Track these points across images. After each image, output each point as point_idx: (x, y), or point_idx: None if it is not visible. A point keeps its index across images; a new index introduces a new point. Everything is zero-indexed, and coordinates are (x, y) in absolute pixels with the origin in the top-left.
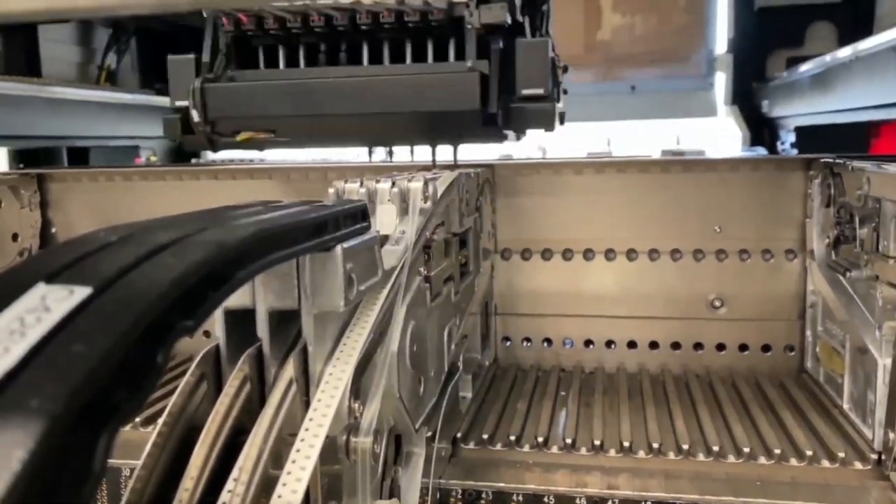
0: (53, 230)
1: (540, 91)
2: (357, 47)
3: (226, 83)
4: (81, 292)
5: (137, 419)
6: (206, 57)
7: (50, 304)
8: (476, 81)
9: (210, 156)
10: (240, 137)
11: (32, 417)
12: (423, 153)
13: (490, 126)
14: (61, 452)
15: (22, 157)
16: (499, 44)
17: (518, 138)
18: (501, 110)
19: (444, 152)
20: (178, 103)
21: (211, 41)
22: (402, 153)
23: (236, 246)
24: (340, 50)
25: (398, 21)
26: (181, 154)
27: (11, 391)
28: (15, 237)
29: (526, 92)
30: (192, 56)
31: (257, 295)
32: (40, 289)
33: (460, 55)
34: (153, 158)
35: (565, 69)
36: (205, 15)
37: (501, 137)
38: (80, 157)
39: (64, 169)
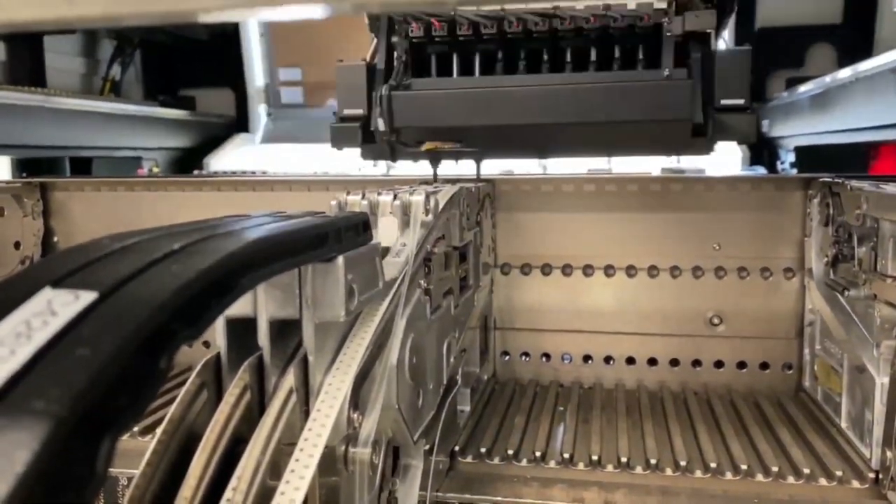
0: (55, 239)
1: (740, 101)
2: (552, 54)
3: (416, 91)
4: (87, 297)
5: (135, 428)
6: (380, 64)
7: (56, 308)
8: (688, 90)
9: (212, 168)
10: (425, 147)
11: (36, 420)
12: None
13: (699, 137)
14: (64, 455)
15: (25, 167)
16: (699, 52)
17: (707, 152)
18: (709, 121)
19: (449, 166)
20: (347, 111)
21: (385, 48)
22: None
23: (240, 254)
24: (526, 57)
25: (601, 28)
26: (183, 165)
27: (16, 393)
28: (17, 245)
29: (725, 102)
30: (362, 62)
31: (259, 304)
32: (46, 293)
33: (651, 63)
34: (155, 169)
35: None
36: (365, 20)
37: (708, 149)
38: (82, 167)
39: (67, 178)
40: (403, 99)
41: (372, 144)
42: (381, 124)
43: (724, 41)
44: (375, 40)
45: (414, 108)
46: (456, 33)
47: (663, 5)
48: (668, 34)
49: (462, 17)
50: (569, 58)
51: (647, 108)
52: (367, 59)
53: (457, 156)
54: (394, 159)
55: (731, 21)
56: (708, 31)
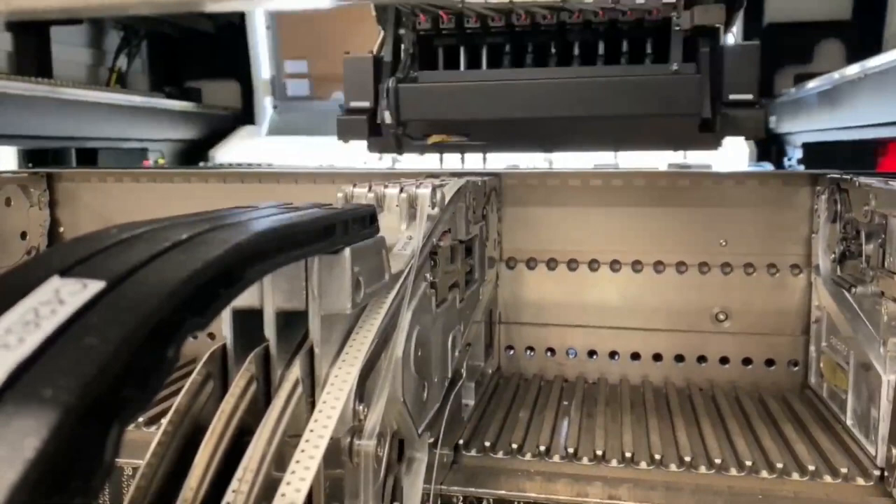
0: (61, 229)
1: (749, 97)
2: (560, 48)
3: (422, 83)
4: (95, 286)
5: (140, 419)
6: (387, 56)
7: (64, 297)
8: (696, 85)
9: (218, 160)
10: (431, 140)
11: (46, 407)
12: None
13: (706, 132)
14: (72, 443)
15: (31, 158)
16: (707, 46)
17: (715, 147)
18: (718, 116)
19: (454, 160)
20: (354, 104)
21: (392, 41)
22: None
23: (247, 245)
24: (533, 50)
25: (609, 22)
26: (188, 157)
27: (25, 381)
28: (24, 235)
29: (734, 97)
30: (369, 55)
31: (265, 295)
32: (55, 282)
33: (660, 58)
34: (161, 161)
35: None
36: (373, 12)
37: (717, 144)
38: (88, 158)
39: (73, 169)
40: (410, 91)
41: (378, 137)
42: (387, 117)
43: (732, 36)
44: (382, 33)
45: (420, 100)
46: (464, 26)
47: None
48: (677, 28)
49: (470, 10)
50: (577, 51)
51: (655, 102)
52: (374, 51)
53: (463, 149)
54: (400, 152)
55: (740, 16)
56: (717, 25)
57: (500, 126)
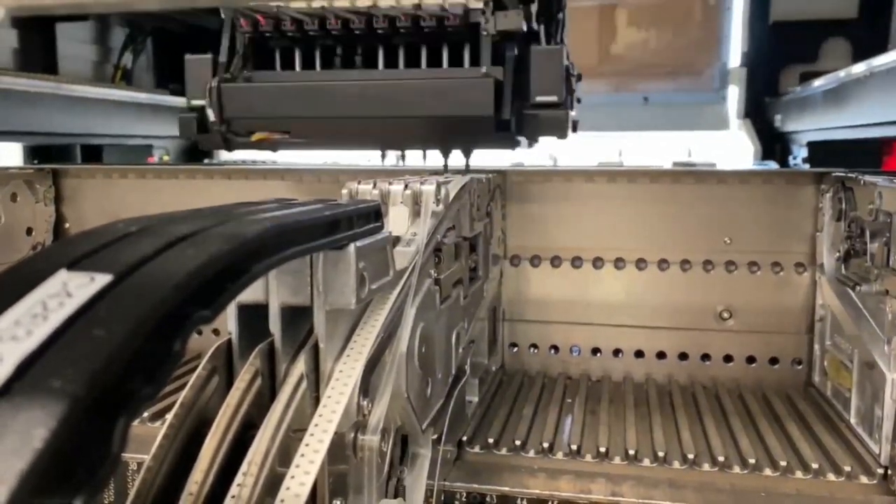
0: (67, 225)
1: (553, 98)
2: (373, 51)
3: (242, 83)
4: (102, 279)
5: (145, 414)
6: (223, 57)
7: (71, 289)
8: (490, 87)
9: (223, 156)
10: (254, 137)
11: (54, 398)
12: (435, 158)
13: (503, 132)
14: (80, 434)
15: (36, 154)
16: (513, 50)
17: (530, 145)
18: (515, 117)
19: (458, 158)
20: (195, 102)
21: (228, 42)
22: (414, 157)
23: (254, 239)
24: (356, 53)
25: (414, 26)
26: (194, 154)
27: (34, 372)
28: (29, 231)
29: (539, 99)
30: (209, 56)
31: (271, 290)
32: (62, 275)
33: (475, 61)
34: (166, 158)
35: (579, 77)
36: (223, 15)
37: (514, 144)
38: (93, 155)
39: (78, 165)
40: (231, 91)
41: (207, 134)
42: (211, 115)
43: (557, 41)
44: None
45: (240, 99)
46: (281, 29)
47: (479, 5)
48: (485, 33)
49: (284, 14)
50: (381, 55)
51: (450, 104)
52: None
53: (287, 145)
54: (229, 149)
55: (745, 15)
56: (516, 30)
57: (317, 124)
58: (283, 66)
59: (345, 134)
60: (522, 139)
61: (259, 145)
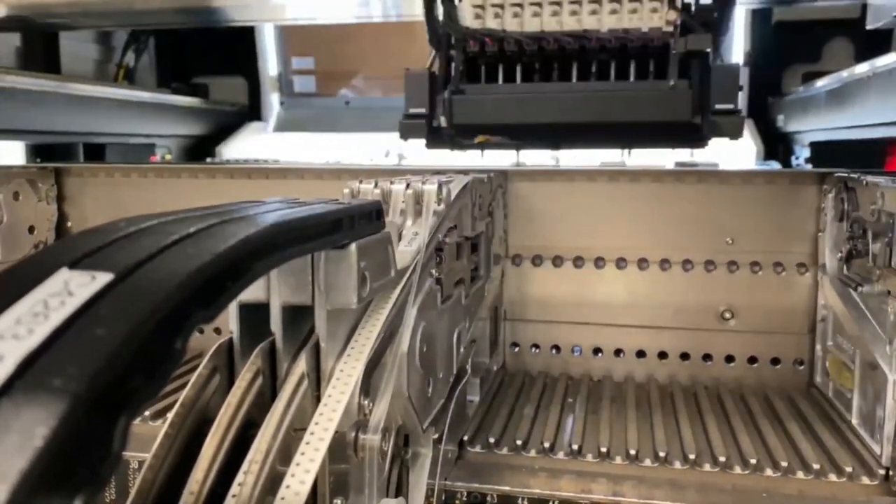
0: (69, 224)
1: (731, 106)
2: (569, 65)
3: (470, 95)
4: (103, 278)
5: (146, 413)
6: (438, 71)
7: (73, 288)
8: (688, 97)
9: (225, 156)
10: (478, 139)
11: (55, 396)
12: (436, 158)
13: (694, 134)
14: (81, 432)
15: (39, 153)
16: (699, 67)
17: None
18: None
19: (457, 158)
20: (413, 110)
21: (443, 58)
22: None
23: (255, 238)
24: (559, 68)
25: (620, 46)
26: (196, 153)
27: (35, 370)
28: (31, 230)
29: (719, 107)
30: (426, 70)
31: (272, 289)
32: (63, 274)
33: (660, 74)
34: (168, 157)
35: None
36: (438, 32)
37: (703, 143)
38: (96, 153)
39: (81, 164)
40: (461, 102)
41: (435, 137)
42: (443, 121)
43: (721, 58)
44: (434, 52)
45: (469, 108)
46: (504, 49)
47: (671, 29)
48: (674, 52)
49: (510, 37)
50: (594, 69)
51: (653, 111)
52: (428, 66)
53: (506, 146)
54: (454, 149)
55: (748, 15)
56: (705, 50)
57: (531, 129)
58: (488, 79)
59: (555, 137)
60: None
61: (481, 146)
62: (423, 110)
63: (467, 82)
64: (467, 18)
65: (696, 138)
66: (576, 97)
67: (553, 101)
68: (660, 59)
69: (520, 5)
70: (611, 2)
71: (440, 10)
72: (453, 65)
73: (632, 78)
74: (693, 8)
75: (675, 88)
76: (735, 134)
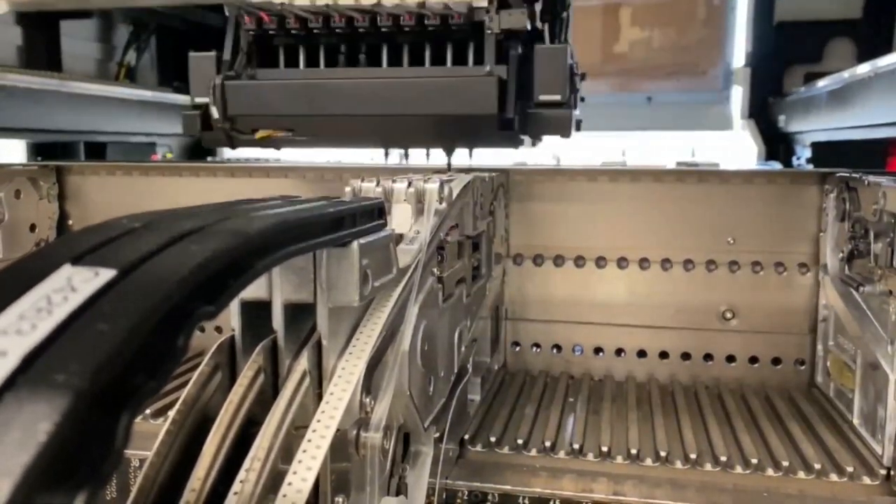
0: (70, 222)
1: (557, 98)
2: (377, 49)
3: (245, 81)
4: (106, 274)
5: (148, 411)
6: (226, 55)
7: (76, 284)
8: (494, 86)
9: (227, 154)
10: (258, 135)
11: (58, 392)
12: (438, 157)
13: (506, 131)
14: (84, 428)
15: (40, 151)
16: (517, 49)
17: (534, 144)
18: (518, 115)
19: (462, 156)
20: (198, 100)
21: (232, 39)
22: (417, 156)
23: (257, 236)
24: (360, 51)
25: (418, 24)
26: (197, 152)
27: (38, 366)
28: (33, 228)
29: (543, 98)
30: (213, 53)
31: (274, 287)
32: (66, 270)
33: (479, 60)
34: (169, 155)
35: (583, 76)
36: (227, 13)
37: (517, 143)
38: (97, 152)
39: (82, 163)
40: (235, 88)
41: (211, 132)
42: (215, 112)
43: (560, 40)
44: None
45: (244, 97)
46: (286, 27)
47: (483, 3)
48: (489, 32)
49: (289, 11)
50: (385, 53)
51: (454, 102)
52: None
53: (290, 143)
54: (232, 146)
55: (750, 14)
56: (523, 29)
57: (320, 122)
58: (287, 63)
59: (347, 132)
60: (526, 138)
61: (262, 143)
62: (207, 100)
63: (258, 67)
64: None
65: (508, 136)
66: (360, 85)
67: (338, 90)
68: (462, 41)
69: None
70: None
71: None
72: (240, 46)
73: (427, 63)
74: None
75: (476, 76)
76: (562, 131)
